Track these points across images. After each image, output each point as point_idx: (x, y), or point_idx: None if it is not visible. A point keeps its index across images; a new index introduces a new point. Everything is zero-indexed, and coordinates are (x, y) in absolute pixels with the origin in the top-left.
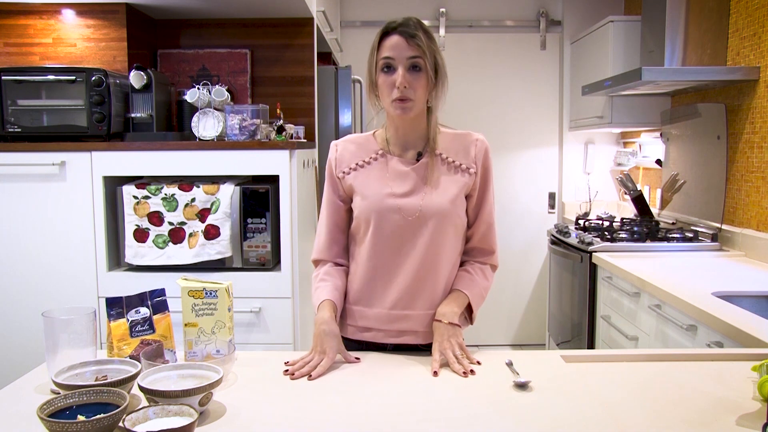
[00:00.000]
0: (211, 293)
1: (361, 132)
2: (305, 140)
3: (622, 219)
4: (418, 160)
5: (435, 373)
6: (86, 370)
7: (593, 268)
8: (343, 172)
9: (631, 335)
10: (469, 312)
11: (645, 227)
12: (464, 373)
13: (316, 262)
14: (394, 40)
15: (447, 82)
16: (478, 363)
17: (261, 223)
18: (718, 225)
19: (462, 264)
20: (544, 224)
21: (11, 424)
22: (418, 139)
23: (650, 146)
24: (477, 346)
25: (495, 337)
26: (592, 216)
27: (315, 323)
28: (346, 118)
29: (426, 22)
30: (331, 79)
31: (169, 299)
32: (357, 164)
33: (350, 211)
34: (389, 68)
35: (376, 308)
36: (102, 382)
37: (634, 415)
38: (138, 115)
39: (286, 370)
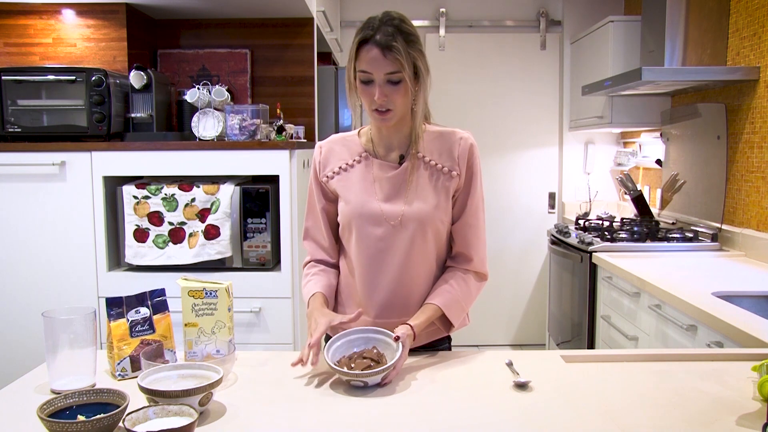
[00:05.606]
0: (211, 293)
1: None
2: (305, 140)
3: (622, 219)
4: (400, 164)
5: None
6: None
7: (593, 268)
8: (327, 177)
9: (631, 335)
10: (446, 323)
11: (645, 227)
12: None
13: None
14: (370, 52)
15: (429, 80)
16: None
17: (261, 223)
18: (718, 225)
19: (446, 270)
20: (544, 224)
21: (11, 424)
22: (403, 139)
23: (650, 146)
24: (477, 346)
25: (495, 337)
26: (592, 216)
27: (307, 313)
28: (346, 118)
29: (426, 22)
30: (331, 79)
31: (169, 299)
32: (340, 167)
33: (337, 212)
34: (368, 81)
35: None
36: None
37: (634, 415)
38: (138, 115)
39: (295, 363)
